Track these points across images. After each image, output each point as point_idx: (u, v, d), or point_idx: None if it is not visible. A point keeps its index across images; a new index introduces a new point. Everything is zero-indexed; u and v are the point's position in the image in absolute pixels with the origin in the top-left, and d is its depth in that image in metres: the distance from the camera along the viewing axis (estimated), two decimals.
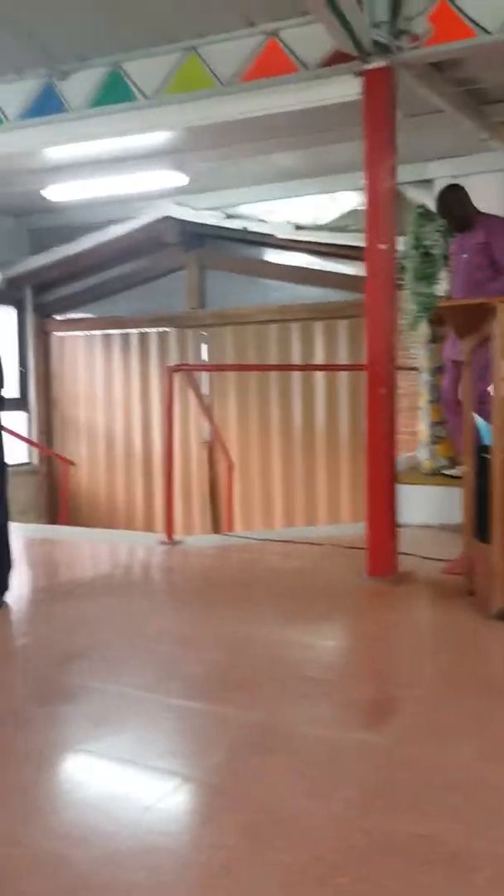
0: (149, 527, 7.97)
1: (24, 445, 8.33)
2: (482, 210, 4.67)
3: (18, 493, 7.70)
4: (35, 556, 4.67)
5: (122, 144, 5.16)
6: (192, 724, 2.28)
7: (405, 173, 4.87)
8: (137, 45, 4.28)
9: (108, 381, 8.58)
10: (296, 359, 7.61)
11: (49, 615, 3.43)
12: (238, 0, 3.90)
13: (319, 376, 7.56)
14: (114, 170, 6.04)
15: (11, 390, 7.98)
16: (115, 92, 4.41)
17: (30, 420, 8.78)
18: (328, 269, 7.21)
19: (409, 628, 3.24)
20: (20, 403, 8.65)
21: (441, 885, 1.51)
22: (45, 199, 6.81)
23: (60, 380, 8.86)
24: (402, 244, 5.96)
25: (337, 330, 7.42)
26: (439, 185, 5.12)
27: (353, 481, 7.19)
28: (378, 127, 3.68)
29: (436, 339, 5.51)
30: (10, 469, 3.52)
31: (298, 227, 7.17)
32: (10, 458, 3.57)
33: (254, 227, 7.33)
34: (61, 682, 2.60)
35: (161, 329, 8.25)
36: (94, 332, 8.63)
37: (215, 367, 8.16)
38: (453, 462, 5.14)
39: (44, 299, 8.73)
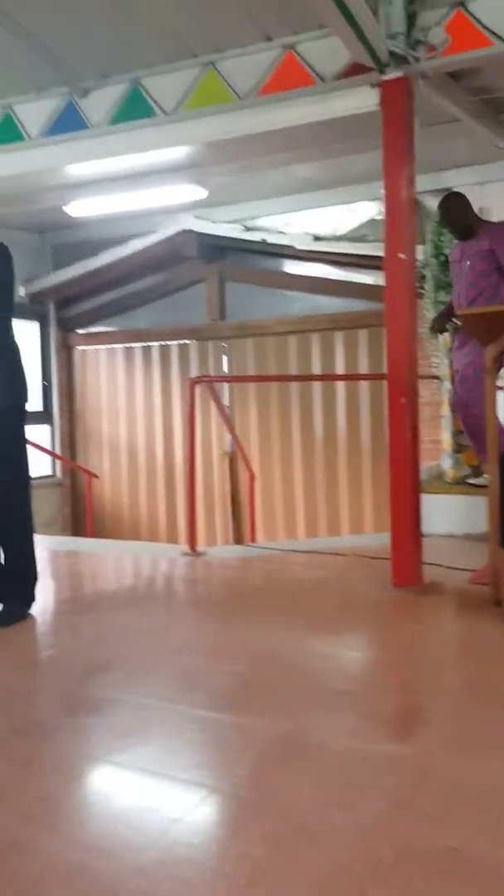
0: (172, 538, 8.00)
1: (48, 458, 8.40)
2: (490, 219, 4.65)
3: (42, 505, 7.80)
4: (59, 568, 4.70)
5: (142, 160, 5.20)
6: (216, 736, 2.28)
7: (423, 182, 4.87)
8: (156, 61, 4.34)
9: (130, 394, 8.64)
10: (316, 369, 7.61)
11: (74, 627, 3.45)
12: (255, 15, 3.94)
13: (340, 386, 7.56)
14: (134, 185, 6.09)
15: (35, 404, 8.10)
16: (135, 108, 4.46)
17: (53, 433, 8.86)
18: (347, 280, 7.23)
19: (435, 639, 3.21)
20: (44, 417, 8.74)
21: None
22: (67, 215, 6.89)
23: (83, 393, 8.94)
24: (421, 253, 5.99)
25: (357, 340, 7.42)
26: None
27: (376, 491, 7.17)
28: (396, 137, 3.68)
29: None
30: (32, 482, 3.55)
31: (317, 238, 7.20)
32: (33, 471, 3.60)
33: (273, 238, 7.38)
34: (87, 693, 2.61)
35: (182, 341, 8.29)
36: (115, 346, 8.70)
37: (236, 379, 8.19)
38: (477, 471, 5.10)
39: (66, 314, 8.83)
